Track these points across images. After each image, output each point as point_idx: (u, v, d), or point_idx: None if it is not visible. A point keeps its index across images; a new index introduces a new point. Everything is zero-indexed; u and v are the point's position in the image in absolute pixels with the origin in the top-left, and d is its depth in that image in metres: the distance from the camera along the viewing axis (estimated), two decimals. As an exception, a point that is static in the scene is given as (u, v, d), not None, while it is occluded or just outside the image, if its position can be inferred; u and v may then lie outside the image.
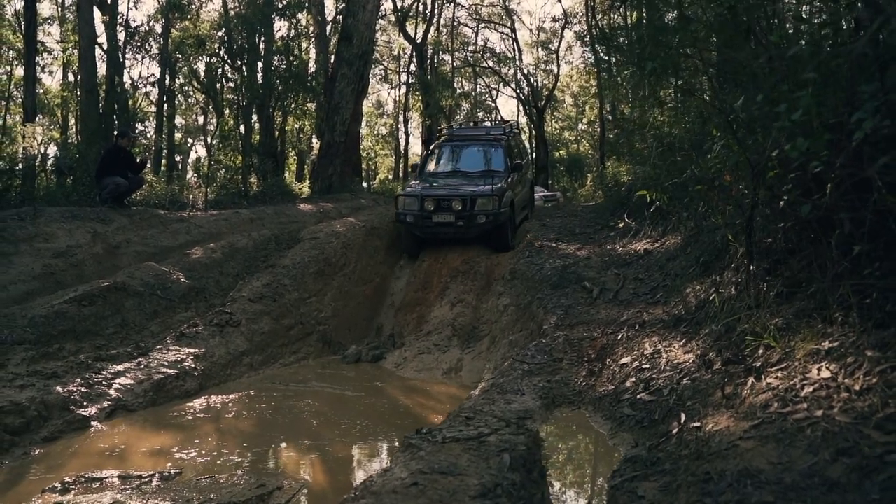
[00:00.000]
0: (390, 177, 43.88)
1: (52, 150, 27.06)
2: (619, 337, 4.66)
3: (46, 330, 6.90)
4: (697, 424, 2.74)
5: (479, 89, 45.52)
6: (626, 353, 4.26)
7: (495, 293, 8.51)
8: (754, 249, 3.69)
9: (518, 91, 40.10)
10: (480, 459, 2.48)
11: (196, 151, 35.81)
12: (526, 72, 39.83)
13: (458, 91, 39.82)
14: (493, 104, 46.60)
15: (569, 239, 9.47)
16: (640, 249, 7.05)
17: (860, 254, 2.65)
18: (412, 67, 35.39)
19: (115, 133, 12.26)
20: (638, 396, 3.52)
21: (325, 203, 15.94)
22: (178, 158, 34.83)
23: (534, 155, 42.00)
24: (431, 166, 12.41)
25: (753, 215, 3.27)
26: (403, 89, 38.89)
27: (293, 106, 19.83)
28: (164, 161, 28.15)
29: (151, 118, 28.54)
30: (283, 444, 5.21)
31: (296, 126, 24.58)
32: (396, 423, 5.61)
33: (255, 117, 22.08)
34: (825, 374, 2.47)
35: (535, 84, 39.52)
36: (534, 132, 40.15)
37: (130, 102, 24.92)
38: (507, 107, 78.51)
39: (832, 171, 2.44)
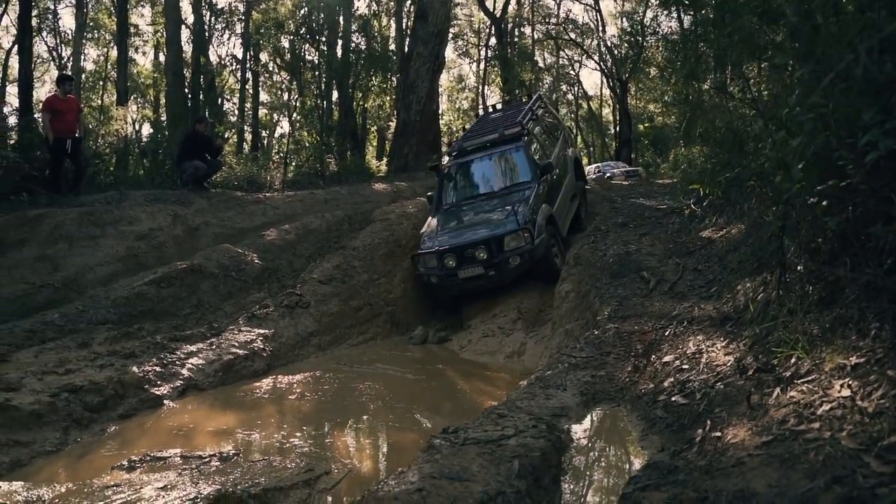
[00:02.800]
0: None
1: (147, 128, 28.40)
2: (667, 333, 4.62)
3: (127, 310, 7.36)
4: (718, 434, 2.74)
5: (561, 62, 44.82)
6: (671, 351, 4.23)
7: (560, 278, 8.49)
8: (801, 250, 3.60)
9: (601, 63, 39.29)
10: (492, 465, 2.56)
11: (282, 127, 36.58)
12: (609, 43, 38.93)
13: (539, 65, 39.33)
14: (576, 77, 45.86)
15: (637, 223, 9.32)
16: (705, 237, 6.90)
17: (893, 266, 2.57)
18: (492, 42, 35.17)
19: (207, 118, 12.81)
20: (672, 398, 3.51)
21: (400, 182, 16.17)
22: (264, 134, 35.72)
23: (617, 129, 41.20)
24: (447, 195, 10.47)
25: (787, 221, 3.19)
26: (483, 64, 38.76)
27: (371, 84, 20.11)
28: (247, 140, 28.95)
29: (236, 96, 29.47)
30: (339, 428, 5.40)
31: (377, 104, 24.91)
32: (449, 409, 5.74)
33: (335, 96, 22.51)
34: (846, 392, 2.42)
35: (618, 55, 38.58)
36: (617, 105, 39.34)
37: (217, 81, 25.80)
38: (591, 79, 77.11)
39: (850, 189, 2.37)
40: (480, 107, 40.58)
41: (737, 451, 2.43)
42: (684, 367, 3.83)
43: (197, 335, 7.12)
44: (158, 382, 5.87)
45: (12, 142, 11.51)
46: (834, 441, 2.12)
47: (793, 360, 2.97)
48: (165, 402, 5.72)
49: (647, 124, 39.80)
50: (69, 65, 29.67)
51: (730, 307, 4.46)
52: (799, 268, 3.61)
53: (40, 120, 10.61)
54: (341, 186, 14.85)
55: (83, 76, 30.60)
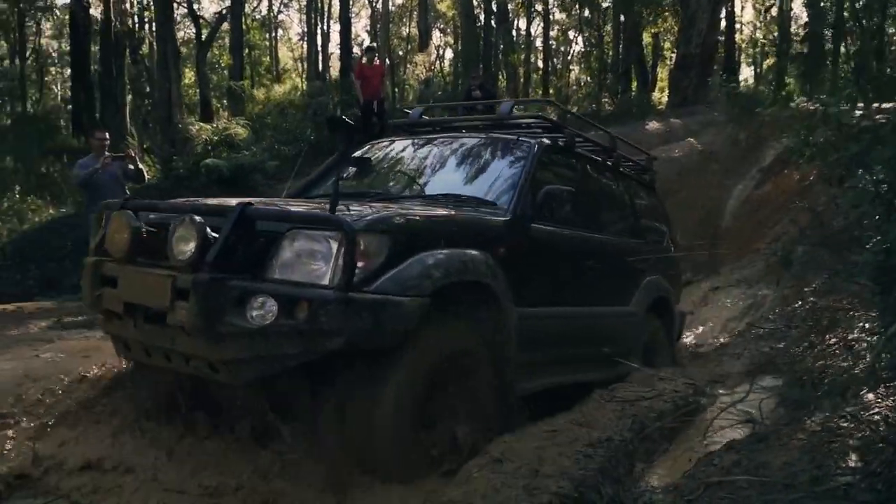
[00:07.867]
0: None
1: (449, 54, 30.52)
2: (850, 313, 5.02)
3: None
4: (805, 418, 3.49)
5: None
6: (840, 333, 4.66)
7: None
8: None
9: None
10: (617, 418, 3.50)
11: (577, 44, 35.98)
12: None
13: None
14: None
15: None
16: None
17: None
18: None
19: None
20: (812, 381, 4.16)
21: (675, 120, 16.32)
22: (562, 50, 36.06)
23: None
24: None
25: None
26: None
27: (651, 16, 20.00)
28: (536, 76, 29.86)
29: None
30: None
31: (662, 29, 24.55)
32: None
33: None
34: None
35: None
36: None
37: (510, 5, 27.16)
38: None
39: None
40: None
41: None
42: (836, 352, 4.38)
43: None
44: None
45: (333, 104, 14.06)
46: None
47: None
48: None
49: None
50: (378, 4, 32.95)
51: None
52: None
53: (354, 84, 12.90)
54: (614, 127, 15.47)
55: (391, 9, 33.69)
